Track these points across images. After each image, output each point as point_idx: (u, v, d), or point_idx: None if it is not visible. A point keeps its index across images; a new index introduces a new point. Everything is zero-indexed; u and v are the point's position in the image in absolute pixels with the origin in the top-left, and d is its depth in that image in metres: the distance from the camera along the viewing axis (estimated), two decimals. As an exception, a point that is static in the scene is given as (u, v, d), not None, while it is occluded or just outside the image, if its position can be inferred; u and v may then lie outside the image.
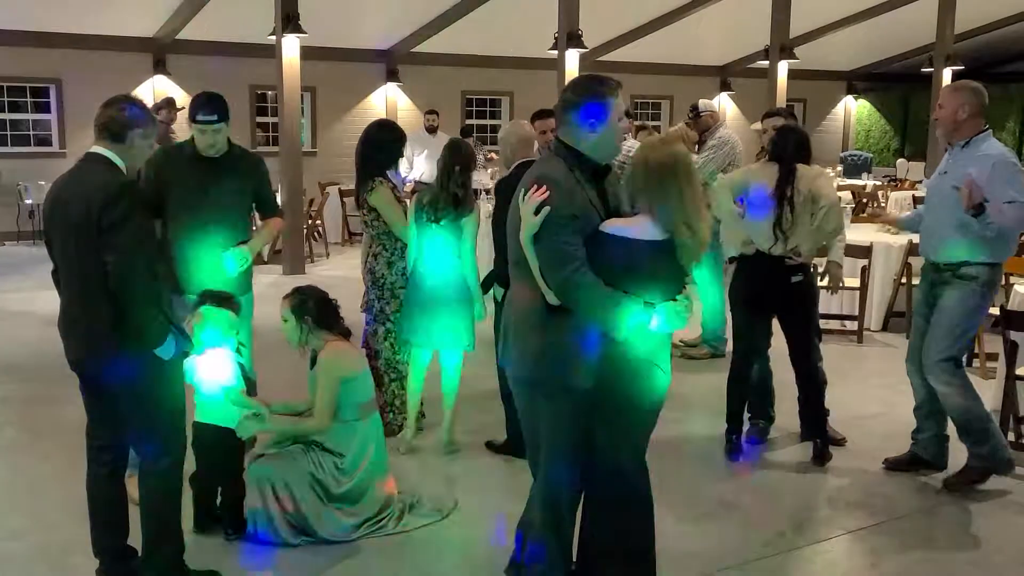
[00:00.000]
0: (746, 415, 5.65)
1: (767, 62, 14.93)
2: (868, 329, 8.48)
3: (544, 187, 3.26)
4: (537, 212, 3.25)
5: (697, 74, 19.34)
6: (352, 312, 4.77)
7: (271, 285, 10.51)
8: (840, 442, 5.62)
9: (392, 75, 16.86)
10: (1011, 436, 5.35)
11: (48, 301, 4.01)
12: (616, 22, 16.43)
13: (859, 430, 5.84)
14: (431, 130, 12.74)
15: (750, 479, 5.26)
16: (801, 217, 5.16)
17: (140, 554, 3.84)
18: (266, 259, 12.23)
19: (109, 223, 3.45)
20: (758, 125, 6.79)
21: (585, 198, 3.32)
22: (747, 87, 19.43)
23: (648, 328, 3.26)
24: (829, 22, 17.68)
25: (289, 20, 11.20)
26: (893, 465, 5.28)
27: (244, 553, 4.24)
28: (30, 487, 5.01)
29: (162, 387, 3.69)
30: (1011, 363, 5.44)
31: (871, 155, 19.02)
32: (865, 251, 8.27)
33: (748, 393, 5.59)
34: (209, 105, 4.68)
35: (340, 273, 11.21)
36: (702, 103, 7.86)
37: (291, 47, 11.39)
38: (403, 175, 11.38)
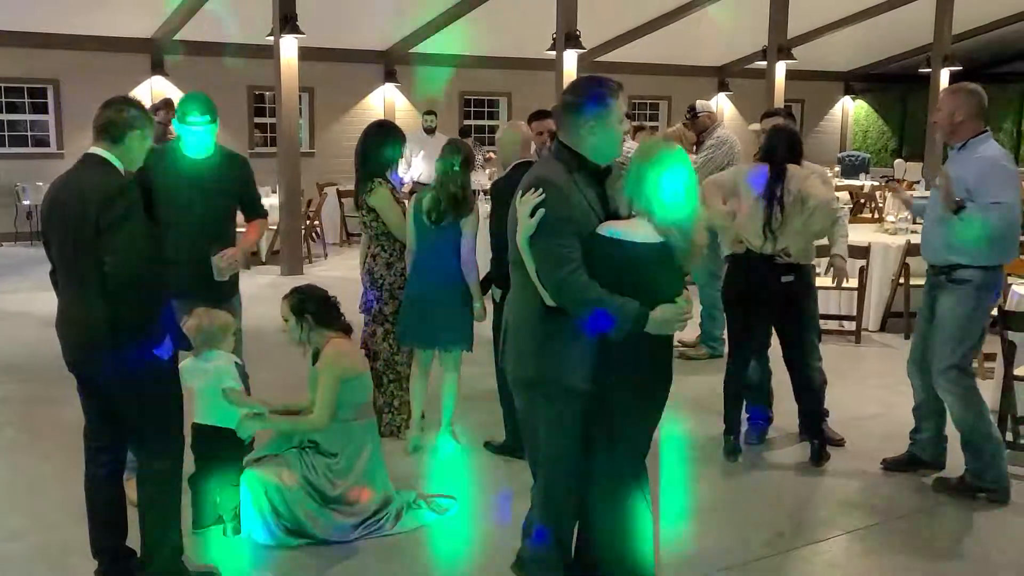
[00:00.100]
0: (745, 415, 5.65)
1: (765, 63, 14.93)
2: (866, 329, 8.49)
3: (541, 190, 3.26)
4: (533, 214, 3.25)
5: (695, 75, 19.36)
6: (351, 313, 4.77)
7: (269, 286, 10.52)
8: (838, 443, 5.63)
9: (390, 76, 16.85)
10: (1009, 436, 5.35)
11: (46, 302, 4.01)
12: (614, 23, 16.44)
13: (857, 431, 5.84)
14: (429, 131, 12.75)
15: (749, 480, 5.26)
16: (791, 217, 5.16)
17: (139, 555, 3.84)
18: (264, 260, 12.24)
19: (107, 224, 3.45)
20: (756, 126, 6.80)
21: (583, 201, 3.32)
22: (745, 88, 19.43)
23: (646, 330, 3.26)
24: (827, 23, 17.69)
25: (287, 21, 11.19)
26: (891, 465, 5.28)
27: (243, 554, 4.24)
28: (30, 487, 5.01)
29: (160, 388, 3.68)
30: (1009, 363, 5.45)
31: (869, 156, 19.04)
32: (863, 251, 8.28)
33: (745, 393, 5.60)
34: (201, 106, 4.67)
35: (338, 274, 11.21)
36: (699, 104, 7.86)
37: (289, 48, 11.39)
38: (400, 176, 11.38)
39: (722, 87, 20.19)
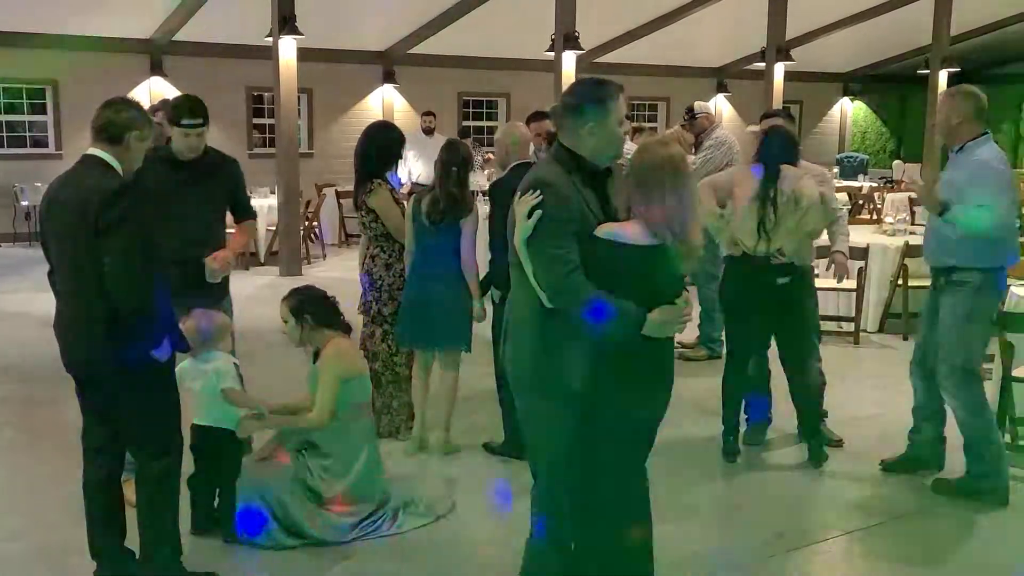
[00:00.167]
0: (743, 416, 5.66)
1: (763, 64, 14.95)
2: (864, 330, 8.49)
3: (539, 191, 3.26)
4: (531, 215, 3.25)
5: (693, 76, 19.35)
6: (350, 314, 4.78)
7: (267, 287, 10.53)
8: (837, 443, 5.63)
9: (389, 76, 16.85)
10: (1007, 437, 5.35)
11: (45, 302, 4.00)
12: (613, 24, 16.44)
13: (856, 431, 5.84)
14: (428, 131, 12.75)
15: (748, 480, 5.26)
16: (784, 217, 5.16)
17: (137, 556, 3.84)
18: (263, 260, 12.24)
19: (106, 225, 3.45)
20: (755, 127, 6.80)
21: (582, 202, 3.31)
22: (743, 89, 19.45)
23: (644, 332, 3.26)
24: (825, 24, 17.68)
25: (286, 21, 11.19)
26: (890, 466, 5.28)
27: (242, 555, 4.23)
28: (29, 488, 5.01)
29: (158, 388, 3.69)
30: (1007, 364, 5.44)
31: (867, 157, 19.06)
32: (862, 253, 8.28)
33: (743, 394, 5.59)
34: (194, 109, 4.67)
35: (337, 275, 11.21)
36: (698, 105, 7.87)
37: (288, 49, 11.39)
38: (399, 178, 11.38)
39: (721, 88, 20.19)
